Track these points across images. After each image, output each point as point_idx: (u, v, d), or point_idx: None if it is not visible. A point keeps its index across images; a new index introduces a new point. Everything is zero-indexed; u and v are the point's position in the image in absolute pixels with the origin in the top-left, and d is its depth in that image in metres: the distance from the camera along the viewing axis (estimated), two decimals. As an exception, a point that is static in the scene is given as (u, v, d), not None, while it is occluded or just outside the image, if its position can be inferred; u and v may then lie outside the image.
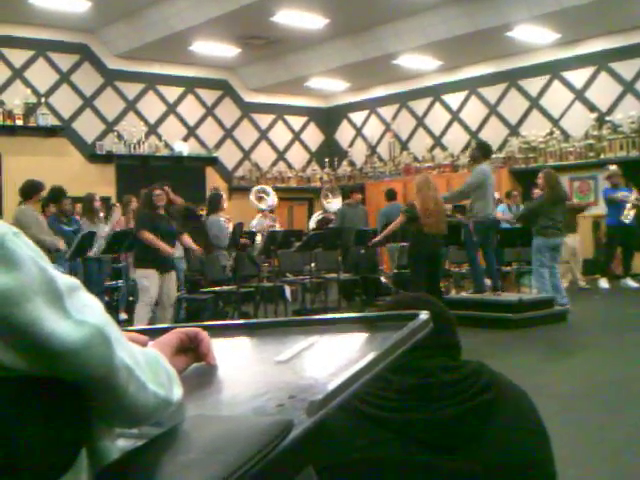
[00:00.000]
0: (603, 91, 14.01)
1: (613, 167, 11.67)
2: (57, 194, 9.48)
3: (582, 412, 4.63)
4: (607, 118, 13.88)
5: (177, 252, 9.11)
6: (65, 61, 14.80)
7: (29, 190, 8.59)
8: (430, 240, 8.28)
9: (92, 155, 14.91)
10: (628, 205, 11.16)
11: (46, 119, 14.19)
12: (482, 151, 9.15)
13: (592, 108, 14.19)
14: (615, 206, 11.32)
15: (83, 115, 15.04)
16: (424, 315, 1.11)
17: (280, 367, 1.09)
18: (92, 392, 0.83)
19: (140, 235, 7.47)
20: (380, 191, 15.20)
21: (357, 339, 1.18)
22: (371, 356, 0.99)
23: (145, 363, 0.90)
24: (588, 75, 14.26)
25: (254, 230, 11.74)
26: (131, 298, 9.21)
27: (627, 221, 11.13)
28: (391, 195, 11.74)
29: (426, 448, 1.41)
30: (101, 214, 10.24)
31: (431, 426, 1.41)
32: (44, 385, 0.79)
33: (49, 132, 14.28)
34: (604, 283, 11.55)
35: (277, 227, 12.15)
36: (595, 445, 3.95)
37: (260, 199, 13.07)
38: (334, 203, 13.61)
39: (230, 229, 10.29)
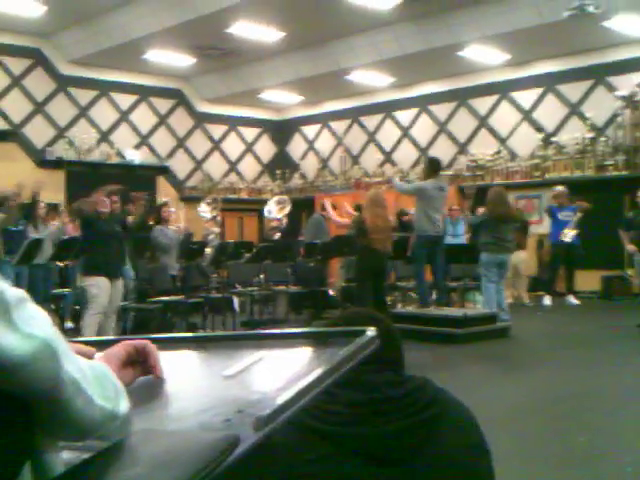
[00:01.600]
0: (550, 112, 14.35)
1: (560, 187, 11.94)
2: None
3: (524, 426, 4.71)
4: (553, 139, 14.21)
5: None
6: (17, 65, 14.56)
7: None
8: (377, 255, 8.37)
9: (42, 161, 14.68)
10: (569, 225, 11.45)
11: (-4, 123, 13.92)
12: (429, 167, 9.33)
13: (539, 128, 14.51)
14: (558, 225, 11.60)
15: (34, 120, 14.80)
16: (371, 332, 1.13)
17: (228, 381, 1.09)
18: (37, 405, 0.82)
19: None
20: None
21: (305, 354, 1.20)
22: (319, 371, 1.00)
23: (92, 376, 0.89)
24: (536, 96, 14.60)
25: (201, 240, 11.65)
26: (77, 307, 9.05)
27: (567, 240, 11.42)
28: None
29: (371, 462, 1.43)
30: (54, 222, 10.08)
31: (376, 440, 1.43)
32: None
33: (-2, 136, 14.01)
34: (547, 300, 11.79)
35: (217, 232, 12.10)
36: (536, 460, 4.02)
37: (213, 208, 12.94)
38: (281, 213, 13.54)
39: (178, 239, 10.15)
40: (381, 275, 8.66)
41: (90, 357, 1.03)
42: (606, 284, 12.68)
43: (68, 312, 9.63)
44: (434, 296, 9.79)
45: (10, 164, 13.99)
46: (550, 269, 12.23)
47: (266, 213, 13.27)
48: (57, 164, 14.78)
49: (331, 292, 11.10)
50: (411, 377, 1.57)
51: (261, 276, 10.39)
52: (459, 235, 11.90)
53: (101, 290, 7.22)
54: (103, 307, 7.27)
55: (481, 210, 10.08)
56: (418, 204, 9.01)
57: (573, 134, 13.86)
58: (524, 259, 12.02)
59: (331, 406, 1.46)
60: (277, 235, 12.69)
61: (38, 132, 14.79)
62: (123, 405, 0.94)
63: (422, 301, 9.15)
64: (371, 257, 8.37)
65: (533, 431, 4.61)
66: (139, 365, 1.11)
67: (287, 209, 13.69)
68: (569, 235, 11.41)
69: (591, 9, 10.83)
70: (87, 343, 1.16)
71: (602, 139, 13.49)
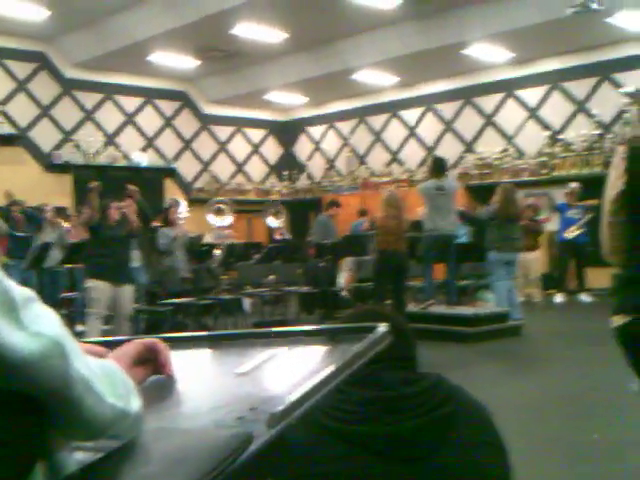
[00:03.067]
0: (556, 110, 14.31)
1: (573, 185, 11.89)
2: None
3: (537, 425, 4.69)
4: (560, 136, 14.17)
5: (135, 262, 9.01)
6: (22, 69, 14.61)
7: None
8: (391, 256, 8.38)
9: (49, 165, 14.72)
10: (576, 224, 11.43)
11: (2, 128, 13.97)
12: (431, 167, 9.39)
13: (545, 126, 14.47)
14: (566, 222, 11.58)
15: (40, 124, 14.85)
16: (383, 327, 1.11)
17: (240, 379, 1.08)
18: (48, 404, 0.82)
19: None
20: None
21: (317, 351, 1.18)
22: (331, 368, 0.99)
23: (102, 375, 0.89)
24: (542, 94, 14.56)
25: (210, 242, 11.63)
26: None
27: (570, 236, 11.40)
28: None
29: (385, 460, 1.41)
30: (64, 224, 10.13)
31: (390, 438, 1.42)
32: (-2, 397, 0.77)
33: (5, 141, 14.07)
34: (559, 297, 11.75)
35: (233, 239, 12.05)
36: (550, 457, 4.00)
37: (219, 211, 12.91)
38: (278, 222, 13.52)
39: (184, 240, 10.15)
40: (400, 275, 8.64)
41: (102, 356, 1.02)
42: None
43: (78, 315, 9.65)
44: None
45: (17, 168, 14.04)
46: (560, 266, 12.20)
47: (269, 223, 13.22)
48: (64, 168, 14.82)
49: (342, 292, 11.09)
50: (425, 375, 1.55)
51: (271, 277, 10.39)
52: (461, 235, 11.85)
53: (101, 294, 7.25)
54: (102, 311, 7.31)
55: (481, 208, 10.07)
56: (425, 204, 9.07)
57: (580, 131, 13.82)
58: (535, 257, 11.97)
59: (345, 404, 1.45)
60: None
61: (44, 136, 14.83)
62: (134, 403, 0.93)
63: (426, 298, 9.16)
64: (386, 258, 8.41)
65: (546, 429, 4.59)
66: (150, 364, 1.10)
67: (282, 215, 13.63)
68: (574, 233, 11.39)
69: (595, 6, 10.79)
70: (98, 343, 1.16)
71: (609, 136, 13.44)
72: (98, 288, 7.25)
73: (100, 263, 7.27)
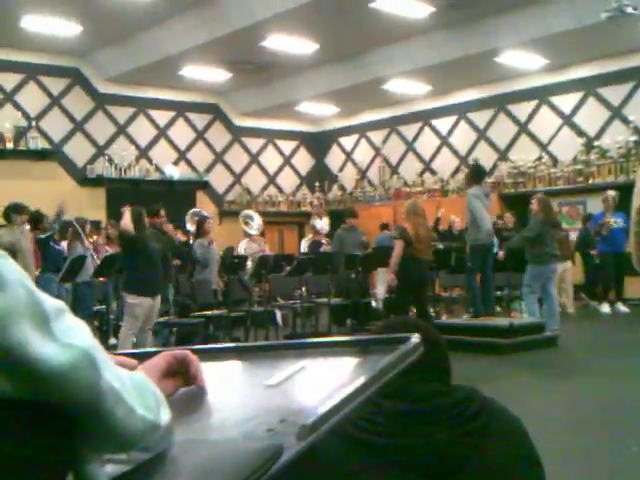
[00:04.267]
0: (591, 116, 14.15)
1: (611, 192, 11.73)
2: (35, 219, 9.37)
3: (572, 438, 4.61)
4: (595, 143, 14.00)
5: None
6: (56, 85, 14.85)
7: (8, 212, 8.52)
8: (420, 265, 8.32)
9: (83, 179, 14.93)
10: (609, 220, 11.32)
11: (37, 143, 14.20)
12: (473, 174, 9.17)
13: (580, 133, 14.32)
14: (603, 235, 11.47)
15: (74, 139, 15.07)
16: (415, 338, 1.10)
17: (270, 391, 1.08)
18: (78, 416, 0.82)
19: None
20: (370, 215, 15.24)
21: (348, 363, 1.17)
22: (362, 379, 0.97)
23: (132, 386, 0.88)
24: (576, 100, 14.41)
25: (241, 254, 11.69)
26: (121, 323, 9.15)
27: (604, 233, 11.28)
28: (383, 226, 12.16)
29: (417, 474, 1.39)
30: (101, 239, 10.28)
31: (422, 452, 1.40)
32: (29, 409, 0.78)
33: (39, 156, 14.30)
34: (605, 308, 11.59)
35: (266, 251, 12.09)
36: (587, 472, 3.92)
37: (247, 224, 13.04)
38: (323, 222, 13.55)
39: (215, 252, 10.21)
40: (424, 285, 8.60)
41: (132, 368, 1.02)
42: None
43: (112, 328, 9.72)
44: None
45: (52, 183, 14.26)
46: (603, 276, 12.04)
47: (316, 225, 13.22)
48: (98, 182, 15.02)
49: (374, 304, 11.05)
50: (458, 387, 1.53)
51: (302, 289, 10.38)
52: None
53: (143, 309, 7.26)
54: (140, 325, 7.33)
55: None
56: (471, 212, 8.79)
57: (616, 138, 13.64)
58: (570, 267, 11.83)
59: (377, 417, 1.43)
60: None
61: (78, 150, 15.05)
62: (164, 415, 0.92)
63: (476, 312, 8.96)
64: (414, 267, 8.30)
65: (583, 442, 4.51)
66: (180, 376, 1.10)
67: (324, 215, 13.69)
68: (603, 230, 11.30)
69: (629, 10, 10.65)
70: (128, 355, 1.16)
71: (646, 142, 13.26)
72: (142, 304, 7.23)
73: (141, 278, 7.25)
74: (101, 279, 9.86)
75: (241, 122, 17.65)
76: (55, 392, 0.78)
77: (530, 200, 9.30)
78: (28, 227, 9.04)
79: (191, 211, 12.61)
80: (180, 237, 11.05)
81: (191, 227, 11.39)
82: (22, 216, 8.56)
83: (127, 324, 7.39)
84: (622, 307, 11.48)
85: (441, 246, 10.84)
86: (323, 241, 12.53)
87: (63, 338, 0.79)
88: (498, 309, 11.01)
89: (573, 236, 12.50)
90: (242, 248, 12.27)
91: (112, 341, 9.27)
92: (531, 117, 15.17)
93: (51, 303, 0.81)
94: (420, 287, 8.50)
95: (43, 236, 9.31)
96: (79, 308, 8.62)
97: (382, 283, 10.98)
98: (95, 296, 9.99)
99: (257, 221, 13.20)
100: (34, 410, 0.78)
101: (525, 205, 9.50)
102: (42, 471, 0.78)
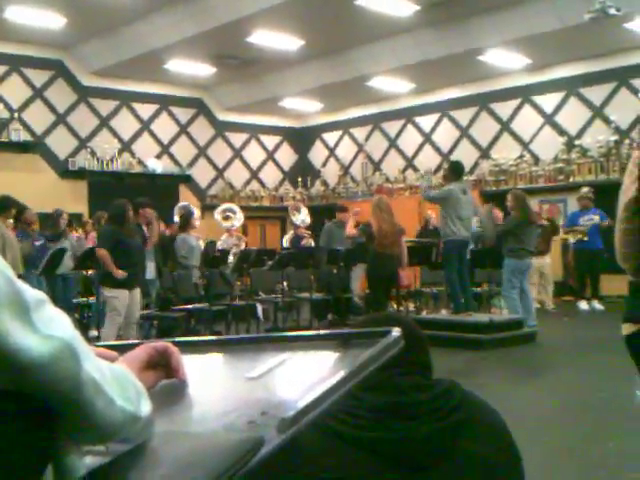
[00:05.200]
0: (573, 116, 14.25)
1: (584, 189, 11.83)
2: (18, 211, 9.19)
3: (552, 433, 4.65)
4: (576, 142, 14.10)
5: (150, 274, 9.05)
6: (39, 77, 14.73)
7: None
8: (387, 260, 8.40)
9: (64, 171, 14.82)
10: (579, 229, 11.42)
11: (18, 135, 14.08)
12: (452, 171, 9.21)
13: (561, 132, 14.41)
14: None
15: (56, 131, 14.96)
16: (396, 332, 1.10)
17: (251, 383, 1.08)
18: (58, 407, 0.81)
19: (97, 252, 7.38)
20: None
21: (329, 356, 1.18)
22: (343, 373, 0.98)
23: (112, 378, 0.88)
24: (558, 100, 14.50)
25: (221, 248, 11.68)
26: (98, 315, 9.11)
27: (572, 239, 11.39)
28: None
29: (397, 467, 1.40)
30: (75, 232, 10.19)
31: (403, 445, 1.41)
32: (8, 399, 0.77)
33: (21, 148, 14.18)
34: (583, 305, 11.69)
35: (242, 245, 12.08)
36: (565, 467, 3.96)
37: (226, 218, 13.02)
38: (302, 215, 13.55)
39: (200, 247, 10.22)
40: (393, 281, 8.72)
41: (112, 360, 1.01)
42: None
43: (93, 321, 9.68)
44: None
45: (33, 175, 14.15)
46: (577, 275, 12.15)
47: (298, 222, 13.20)
48: (79, 174, 14.92)
49: (355, 299, 11.07)
50: (439, 381, 1.54)
51: (284, 283, 10.38)
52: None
53: (122, 302, 7.28)
54: (122, 318, 7.33)
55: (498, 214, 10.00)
56: (444, 209, 8.82)
57: (597, 137, 13.74)
58: (549, 263, 11.90)
59: (357, 410, 1.44)
60: (311, 241, 12.56)
61: (60, 143, 14.94)
62: (145, 407, 0.92)
63: (457, 307, 9.00)
64: (381, 262, 8.43)
65: (561, 437, 4.55)
66: (161, 368, 1.10)
67: (304, 210, 13.69)
68: (575, 237, 11.41)
69: (612, 11, 10.72)
70: (109, 347, 1.15)
71: (626, 142, 13.36)
72: (121, 296, 7.26)
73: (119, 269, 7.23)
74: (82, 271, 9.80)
75: (225, 117, 17.60)
76: (35, 383, 0.78)
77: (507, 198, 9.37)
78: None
79: (179, 204, 12.60)
80: (166, 230, 10.99)
81: (177, 219, 11.39)
82: (10, 210, 8.47)
83: (109, 318, 7.41)
84: (597, 305, 11.56)
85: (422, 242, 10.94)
86: (305, 234, 12.54)
87: (43, 329, 0.79)
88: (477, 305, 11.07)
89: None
90: (221, 242, 12.27)
91: (93, 333, 9.24)
92: (513, 116, 15.25)
93: (31, 294, 0.81)
94: (391, 282, 8.62)
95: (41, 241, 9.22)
96: (58, 301, 8.57)
97: (356, 279, 11.00)
98: (71, 289, 9.93)
99: (239, 214, 13.16)
100: (13, 401, 0.78)
101: (505, 202, 9.55)
102: (21, 462, 0.78)
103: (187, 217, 10.44)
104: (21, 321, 0.77)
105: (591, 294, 11.80)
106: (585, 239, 11.37)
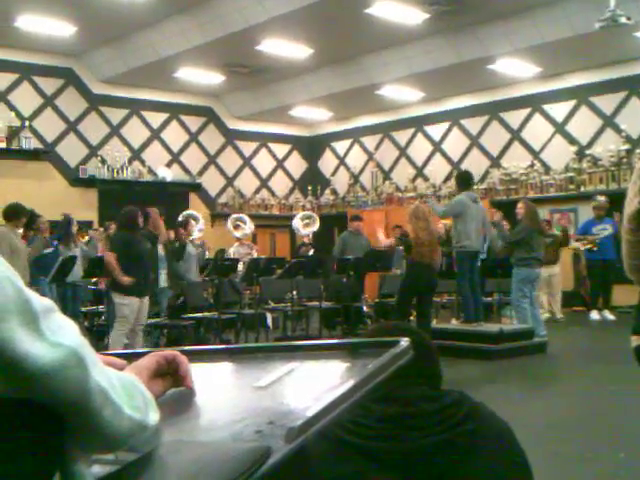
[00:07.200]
0: (583, 125, 14.20)
1: (601, 198, 11.76)
2: (29, 219, 9.23)
3: (562, 443, 4.62)
4: (587, 151, 14.05)
5: (163, 282, 9.06)
6: (50, 85, 14.81)
7: (9, 213, 8.47)
8: (425, 269, 8.21)
9: (75, 179, 14.89)
10: (589, 238, 11.37)
11: (29, 143, 14.16)
12: (461, 181, 9.18)
13: (572, 141, 14.37)
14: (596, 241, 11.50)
15: (67, 139, 15.03)
16: (405, 342, 1.10)
17: (259, 393, 1.07)
18: (66, 415, 0.81)
19: (105, 257, 7.38)
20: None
21: (337, 366, 1.17)
22: (351, 383, 0.97)
23: (121, 386, 0.88)
24: (568, 109, 14.46)
25: (232, 257, 11.69)
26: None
27: (582, 248, 11.35)
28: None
29: (406, 477, 1.39)
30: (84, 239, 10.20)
31: (411, 455, 1.40)
32: (16, 407, 0.77)
33: (32, 155, 14.25)
34: (595, 315, 11.62)
35: (254, 255, 12.10)
36: (575, 477, 3.93)
37: (237, 227, 13.05)
38: (307, 229, 13.59)
39: (197, 254, 10.21)
40: (429, 290, 8.50)
41: (121, 369, 1.01)
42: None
43: (104, 328, 9.67)
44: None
45: (44, 183, 14.22)
46: (590, 285, 12.10)
47: (295, 230, 13.32)
48: (90, 182, 14.98)
49: (365, 308, 11.04)
50: (447, 392, 1.53)
51: (293, 292, 10.38)
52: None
53: (132, 309, 7.27)
54: (131, 325, 7.33)
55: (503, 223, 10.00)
56: (455, 219, 8.80)
57: (608, 146, 13.69)
58: (558, 273, 11.85)
59: (365, 420, 1.43)
60: (310, 251, 12.66)
61: (71, 151, 15.01)
62: (153, 416, 0.92)
63: (467, 317, 8.92)
64: (419, 271, 8.20)
65: (571, 448, 4.52)
66: (169, 376, 1.10)
67: (314, 226, 13.71)
68: (585, 246, 11.37)
69: (623, 20, 10.69)
70: (117, 355, 1.15)
71: (638, 151, 13.31)
72: (131, 304, 7.25)
73: (129, 276, 7.21)
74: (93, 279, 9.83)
75: (234, 125, 17.65)
76: (43, 391, 0.78)
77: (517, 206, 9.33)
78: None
79: (183, 213, 12.66)
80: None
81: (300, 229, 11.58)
82: (20, 218, 8.48)
83: (118, 325, 7.40)
84: (609, 315, 11.50)
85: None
86: (305, 240, 12.64)
87: (52, 337, 0.79)
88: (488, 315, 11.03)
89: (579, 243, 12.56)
90: (232, 252, 12.28)
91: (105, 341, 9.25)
92: (523, 124, 15.22)
93: (40, 302, 0.81)
94: (426, 292, 8.38)
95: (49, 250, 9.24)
96: (67, 309, 8.58)
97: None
98: (80, 297, 9.96)
99: (249, 225, 13.20)
100: (21, 409, 0.78)
101: (515, 210, 9.50)
102: (29, 470, 0.78)
103: (185, 223, 10.46)
104: (30, 329, 0.77)
105: (603, 304, 11.74)
106: (595, 249, 11.32)
